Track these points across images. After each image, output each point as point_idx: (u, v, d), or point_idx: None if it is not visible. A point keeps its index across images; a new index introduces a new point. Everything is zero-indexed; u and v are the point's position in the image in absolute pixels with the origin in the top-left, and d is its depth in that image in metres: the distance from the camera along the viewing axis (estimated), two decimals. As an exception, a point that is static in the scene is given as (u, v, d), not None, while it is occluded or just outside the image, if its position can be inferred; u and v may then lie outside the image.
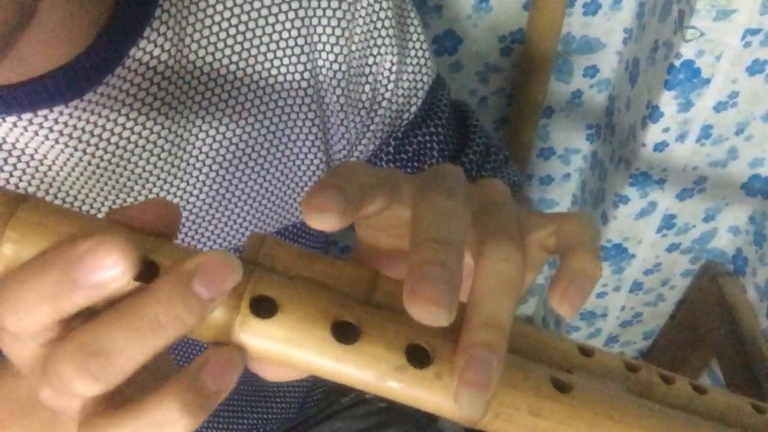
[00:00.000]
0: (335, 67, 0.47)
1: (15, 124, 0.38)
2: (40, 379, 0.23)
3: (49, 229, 0.23)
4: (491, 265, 0.24)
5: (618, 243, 1.00)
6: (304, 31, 0.45)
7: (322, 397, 0.73)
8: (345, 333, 0.23)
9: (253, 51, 0.44)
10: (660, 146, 0.85)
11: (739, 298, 0.99)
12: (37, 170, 0.40)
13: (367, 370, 0.23)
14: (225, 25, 0.43)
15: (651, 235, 0.98)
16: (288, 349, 0.23)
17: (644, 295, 1.11)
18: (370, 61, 0.48)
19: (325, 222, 0.23)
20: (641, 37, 0.85)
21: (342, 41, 0.46)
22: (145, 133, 0.42)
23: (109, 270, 0.21)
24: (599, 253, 0.27)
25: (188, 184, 0.45)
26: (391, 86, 0.50)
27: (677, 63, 0.76)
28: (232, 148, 0.46)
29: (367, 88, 0.49)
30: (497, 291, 0.23)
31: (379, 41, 0.48)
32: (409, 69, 0.51)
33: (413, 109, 0.52)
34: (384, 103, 0.50)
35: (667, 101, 0.79)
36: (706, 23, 0.72)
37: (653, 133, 0.83)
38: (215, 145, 0.45)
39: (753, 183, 0.93)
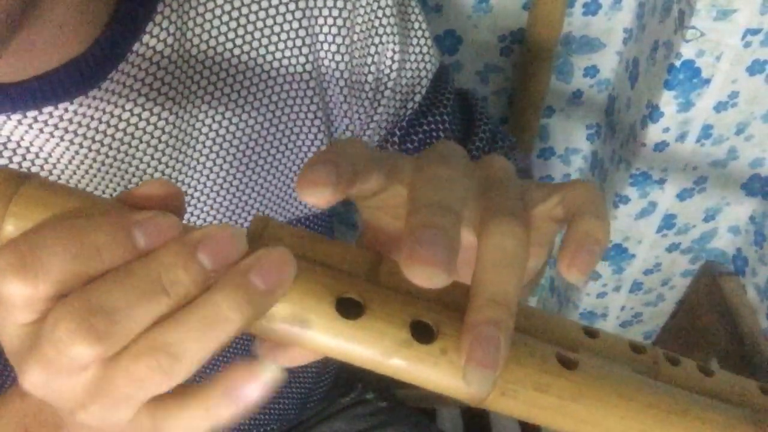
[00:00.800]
0: (337, 57, 0.47)
1: (20, 122, 0.38)
2: (27, 359, 0.22)
3: (52, 205, 0.23)
4: (493, 240, 0.24)
5: (618, 243, 1.00)
6: (305, 23, 0.45)
7: (323, 397, 0.73)
8: (349, 309, 0.23)
9: (255, 44, 0.44)
10: (660, 146, 0.85)
11: (739, 298, 0.98)
12: (42, 168, 0.40)
13: (372, 346, 0.23)
14: (226, 18, 0.43)
15: (651, 235, 0.98)
16: (293, 326, 0.23)
17: (644, 295, 1.11)
18: (372, 50, 0.48)
19: (317, 195, 0.23)
20: (641, 37, 0.85)
21: (344, 31, 0.46)
22: (149, 127, 0.42)
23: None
24: (606, 218, 0.26)
25: (193, 177, 0.45)
26: (393, 75, 0.50)
27: (677, 63, 0.76)
28: (236, 141, 0.46)
29: (369, 77, 0.49)
30: (501, 266, 0.23)
31: (381, 30, 0.48)
32: (412, 58, 0.51)
33: (417, 97, 0.52)
34: (387, 93, 0.50)
35: (667, 101, 0.79)
36: (706, 23, 0.72)
37: (653, 133, 0.83)
38: (219, 138, 0.45)
39: (753, 183, 0.93)
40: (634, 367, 0.27)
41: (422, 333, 0.23)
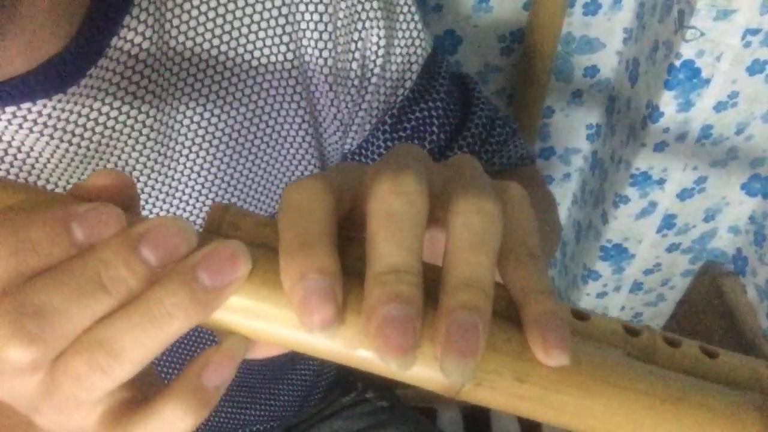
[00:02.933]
0: (320, 45, 0.46)
1: None
2: None
3: None
4: (460, 219, 0.22)
5: (618, 243, 1.00)
6: (285, 10, 0.44)
7: (323, 396, 0.73)
8: None
9: (235, 33, 0.43)
10: (660, 146, 0.85)
11: (739, 298, 0.98)
12: (24, 162, 0.40)
13: (336, 339, 0.21)
14: (204, 8, 0.42)
15: (651, 235, 0.98)
16: (252, 319, 0.22)
17: (644, 295, 1.11)
18: (356, 37, 0.47)
19: (327, 331, 0.21)
20: (641, 37, 0.85)
21: (326, 18, 0.45)
22: (130, 122, 0.42)
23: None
24: (539, 252, 0.24)
25: (176, 171, 0.45)
26: (380, 62, 0.49)
27: (677, 63, 0.76)
28: (218, 133, 0.45)
29: (354, 65, 0.48)
30: (471, 246, 0.22)
31: (364, 15, 0.47)
32: (401, 44, 0.50)
33: (408, 84, 0.51)
34: (374, 80, 0.50)
35: (667, 101, 0.79)
36: (706, 23, 0.72)
37: (653, 133, 0.83)
38: (201, 132, 0.45)
39: (753, 183, 0.93)
40: (629, 350, 0.24)
41: None
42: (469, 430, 1.14)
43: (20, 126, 0.38)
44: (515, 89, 0.92)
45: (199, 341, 0.54)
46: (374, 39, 0.48)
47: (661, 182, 0.90)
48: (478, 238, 0.22)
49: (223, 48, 0.43)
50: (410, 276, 0.21)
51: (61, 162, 0.41)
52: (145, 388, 0.23)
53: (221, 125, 0.45)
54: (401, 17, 0.50)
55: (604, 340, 0.24)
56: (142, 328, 0.20)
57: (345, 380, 0.76)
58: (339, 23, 0.46)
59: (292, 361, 0.65)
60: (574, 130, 1.00)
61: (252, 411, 0.64)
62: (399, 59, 0.50)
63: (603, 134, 0.99)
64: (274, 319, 0.22)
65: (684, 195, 0.92)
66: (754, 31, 0.73)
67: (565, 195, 1.10)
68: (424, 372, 0.21)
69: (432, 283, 0.22)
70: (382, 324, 0.20)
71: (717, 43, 0.74)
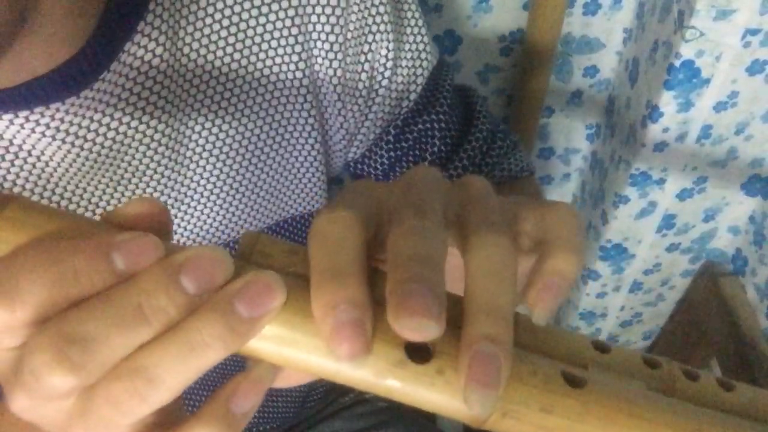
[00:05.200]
0: (330, 56, 0.46)
1: (11, 122, 0.38)
2: (12, 382, 0.22)
3: (33, 227, 0.22)
4: (479, 253, 0.23)
5: (618, 243, 1.00)
6: (298, 21, 0.45)
7: (322, 397, 0.73)
8: None
9: (248, 42, 0.44)
10: (660, 146, 0.85)
11: (739, 298, 0.98)
12: (34, 167, 0.40)
13: (365, 367, 0.22)
14: (219, 16, 0.42)
15: (651, 235, 0.98)
16: (282, 346, 0.22)
17: (644, 295, 1.11)
18: (366, 48, 0.48)
19: (424, 330, 0.21)
20: (641, 37, 0.85)
21: (337, 29, 0.46)
22: (141, 128, 0.42)
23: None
24: (580, 248, 0.25)
25: (185, 178, 0.45)
26: (388, 74, 0.49)
27: (677, 63, 0.76)
28: (229, 141, 0.46)
29: (363, 76, 0.49)
30: (491, 278, 0.22)
31: (374, 28, 0.47)
32: (408, 56, 0.50)
33: (413, 96, 0.52)
34: (381, 91, 0.50)
35: (667, 101, 0.79)
36: (706, 23, 0.72)
37: (653, 133, 0.83)
38: (211, 139, 0.45)
39: (753, 183, 0.93)
40: (649, 383, 0.25)
41: (418, 352, 0.22)
42: (469, 430, 1.14)
43: (33, 130, 0.38)
44: (515, 89, 0.92)
45: (228, 367, 0.54)
46: (383, 51, 0.48)
47: (660, 182, 0.90)
48: (497, 270, 0.22)
49: (236, 56, 0.44)
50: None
51: (71, 166, 0.41)
52: (172, 413, 0.24)
53: (231, 132, 0.45)
54: (409, 30, 0.50)
55: (624, 372, 0.25)
56: (180, 356, 0.21)
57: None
58: (349, 35, 0.46)
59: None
60: (574, 130, 1.00)
61: (253, 414, 0.64)
62: (405, 71, 0.51)
63: (603, 134, 0.99)
64: (304, 347, 0.22)
65: (684, 195, 0.92)
66: (754, 31, 0.73)
67: (564, 195, 1.10)
68: (450, 403, 0.22)
69: (455, 313, 0.22)
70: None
71: (717, 43, 0.74)
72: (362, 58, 0.48)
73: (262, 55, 0.45)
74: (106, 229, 0.23)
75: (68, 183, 0.41)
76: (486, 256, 0.23)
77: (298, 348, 0.22)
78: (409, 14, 0.50)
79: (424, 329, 0.20)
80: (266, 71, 0.45)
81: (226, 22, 0.43)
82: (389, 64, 0.49)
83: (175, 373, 0.21)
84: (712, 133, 0.84)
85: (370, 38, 0.47)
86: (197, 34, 0.42)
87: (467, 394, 0.21)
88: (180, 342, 0.21)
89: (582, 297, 1.11)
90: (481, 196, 0.26)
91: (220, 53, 0.43)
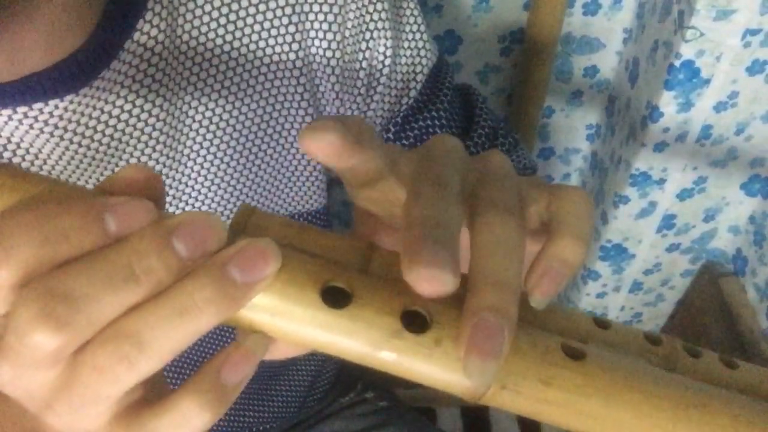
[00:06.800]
0: (328, 53, 0.46)
1: (10, 118, 0.38)
2: None
3: (21, 191, 0.22)
4: (487, 230, 0.22)
5: (618, 243, 1.00)
6: (295, 18, 0.45)
7: (322, 397, 0.73)
8: (336, 299, 0.22)
9: (245, 32, 0.44)
10: (660, 146, 0.85)
11: (739, 298, 0.98)
12: (32, 164, 0.40)
13: (361, 337, 0.21)
14: (215, 12, 0.42)
15: (651, 235, 0.98)
16: (276, 317, 0.22)
17: (644, 295, 1.11)
18: (364, 46, 0.48)
19: (323, 141, 0.22)
20: (641, 37, 0.85)
21: (335, 27, 0.46)
22: (140, 123, 0.42)
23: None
24: (587, 235, 0.25)
25: (183, 174, 0.45)
26: (386, 71, 0.49)
27: (677, 63, 0.76)
28: (227, 133, 0.46)
29: (362, 74, 0.49)
30: (499, 252, 0.22)
31: (372, 26, 0.47)
32: (408, 53, 0.50)
33: (412, 93, 0.52)
34: (380, 89, 0.50)
35: (667, 101, 0.79)
36: (706, 23, 0.72)
37: (653, 133, 0.83)
38: (209, 131, 0.45)
39: (753, 183, 0.93)
40: (650, 359, 0.24)
41: (414, 323, 0.22)
42: (469, 430, 1.14)
43: (30, 126, 0.38)
44: (515, 89, 0.92)
45: (216, 340, 0.54)
46: (381, 48, 0.48)
47: (660, 182, 0.90)
48: (505, 246, 0.22)
49: (233, 46, 0.44)
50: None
51: (69, 164, 0.41)
52: (158, 388, 0.23)
53: (230, 123, 0.45)
54: (407, 27, 0.50)
55: (625, 348, 0.25)
56: (170, 320, 0.20)
57: (344, 380, 0.76)
58: (347, 32, 0.46)
59: (292, 361, 0.65)
60: (574, 130, 1.00)
61: (251, 412, 0.64)
62: (405, 68, 0.51)
63: (603, 134, 0.99)
64: (298, 318, 0.22)
65: (684, 195, 0.92)
66: (754, 31, 0.73)
67: (565, 195, 1.10)
68: (447, 375, 0.21)
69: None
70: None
71: (717, 43, 0.74)
72: (360, 55, 0.48)
73: (259, 49, 0.44)
74: (97, 194, 0.22)
75: (66, 180, 0.41)
76: (494, 233, 0.22)
77: (293, 319, 0.22)
78: (408, 11, 0.50)
79: (439, 280, 0.20)
80: (263, 64, 0.45)
81: (223, 16, 0.43)
82: (387, 61, 0.49)
83: (165, 338, 0.20)
84: (713, 133, 0.84)
85: (368, 35, 0.47)
86: (195, 27, 0.42)
87: (467, 364, 0.20)
88: (171, 305, 0.20)
89: (582, 297, 1.12)
90: (497, 174, 0.25)
91: (217, 47, 0.43)
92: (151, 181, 0.23)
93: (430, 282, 0.20)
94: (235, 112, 0.45)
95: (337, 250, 0.24)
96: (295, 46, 0.45)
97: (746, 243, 1.00)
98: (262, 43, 0.44)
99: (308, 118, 0.48)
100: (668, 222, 0.96)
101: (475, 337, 0.20)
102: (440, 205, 0.22)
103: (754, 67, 0.77)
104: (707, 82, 0.78)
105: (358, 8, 0.46)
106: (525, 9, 0.85)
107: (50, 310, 0.19)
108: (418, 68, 0.51)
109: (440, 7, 0.84)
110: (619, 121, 0.92)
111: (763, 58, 0.76)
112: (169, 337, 0.20)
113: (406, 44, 0.50)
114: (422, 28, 0.51)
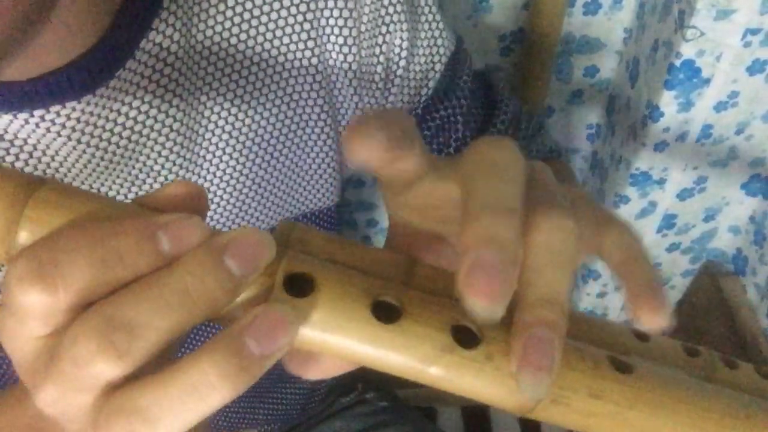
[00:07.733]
0: (345, 50, 0.46)
1: (27, 121, 0.38)
2: (42, 375, 0.21)
3: (69, 209, 0.21)
4: (542, 235, 0.22)
5: (618, 243, 1.00)
6: (310, 16, 0.44)
7: (323, 397, 0.73)
8: (386, 314, 0.22)
9: (261, 33, 0.44)
10: (660, 146, 0.85)
11: (739, 298, 0.98)
12: (48, 166, 0.40)
13: (412, 352, 0.21)
14: (230, 13, 0.43)
15: (651, 235, 0.98)
16: (325, 332, 0.21)
17: (644, 295, 1.11)
18: (380, 41, 0.47)
19: (369, 148, 0.21)
20: (641, 37, 0.85)
21: (350, 23, 0.45)
22: (157, 125, 0.42)
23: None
24: (656, 278, 0.25)
25: (200, 176, 0.45)
26: (403, 63, 0.49)
27: (677, 63, 0.76)
28: (242, 138, 0.46)
29: (379, 68, 0.48)
30: (552, 264, 0.22)
31: (388, 19, 0.47)
32: (425, 44, 0.50)
33: (431, 83, 0.52)
34: (398, 81, 0.50)
35: (667, 101, 0.79)
36: (707, 23, 0.72)
37: (653, 133, 0.83)
38: (225, 135, 0.45)
39: (753, 183, 0.93)
40: (689, 370, 0.25)
41: (465, 338, 0.21)
42: (470, 430, 1.14)
43: (47, 130, 0.38)
44: (515, 89, 0.92)
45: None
46: (398, 41, 0.48)
47: (661, 182, 0.90)
48: (558, 256, 0.22)
49: (248, 49, 0.43)
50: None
51: (86, 166, 0.41)
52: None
53: (245, 129, 0.45)
54: (423, 18, 0.50)
55: (664, 360, 0.25)
56: (181, 400, 0.20)
57: (345, 381, 0.76)
58: (363, 27, 0.46)
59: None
60: (574, 130, 1.00)
61: (257, 412, 0.64)
62: (422, 59, 0.50)
63: (603, 134, 0.99)
64: (349, 333, 0.21)
65: (684, 195, 0.92)
66: (755, 31, 0.73)
67: (565, 195, 1.10)
68: (498, 390, 0.21)
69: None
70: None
71: (717, 43, 0.74)
72: (377, 50, 0.48)
73: (274, 51, 0.45)
74: (145, 212, 0.22)
75: (82, 183, 0.41)
76: (548, 238, 0.22)
77: (342, 334, 0.21)
78: (423, 2, 0.50)
79: (496, 313, 0.20)
80: (279, 66, 0.45)
81: (238, 17, 0.43)
82: (404, 54, 0.49)
83: (173, 416, 0.20)
84: (713, 132, 0.84)
85: (384, 29, 0.47)
86: (210, 29, 0.42)
87: (520, 378, 0.20)
88: (183, 385, 0.20)
89: (582, 296, 1.12)
90: (545, 177, 0.25)
91: (232, 48, 0.43)
92: (194, 195, 0.23)
93: (486, 311, 0.20)
94: (251, 112, 0.45)
95: (380, 264, 0.23)
96: (310, 44, 0.45)
97: (746, 243, 1.00)
98: (276, 42, 0.44)
99: (324, 116, 0.48)
100: (668, 222, 0.96)
101: (527, 351, 0.20)
102: (505, 234, 0.21)
103: (754, 67, 0.77)
104: (707, 81, 0.77)
105: (372, 2, 0.46)
106: (525, 9, 0.85)
107: (110, 341, 0.19)
108: (436, 58, 0.51)
109: (440, 7, 0.84)
110: (619, 121, 0.92)
111: (764, 58, 0.76)
112: (176, 416, 0.20)
113: (422, 35, 0.50)
114: (438, 17, 0.50)
